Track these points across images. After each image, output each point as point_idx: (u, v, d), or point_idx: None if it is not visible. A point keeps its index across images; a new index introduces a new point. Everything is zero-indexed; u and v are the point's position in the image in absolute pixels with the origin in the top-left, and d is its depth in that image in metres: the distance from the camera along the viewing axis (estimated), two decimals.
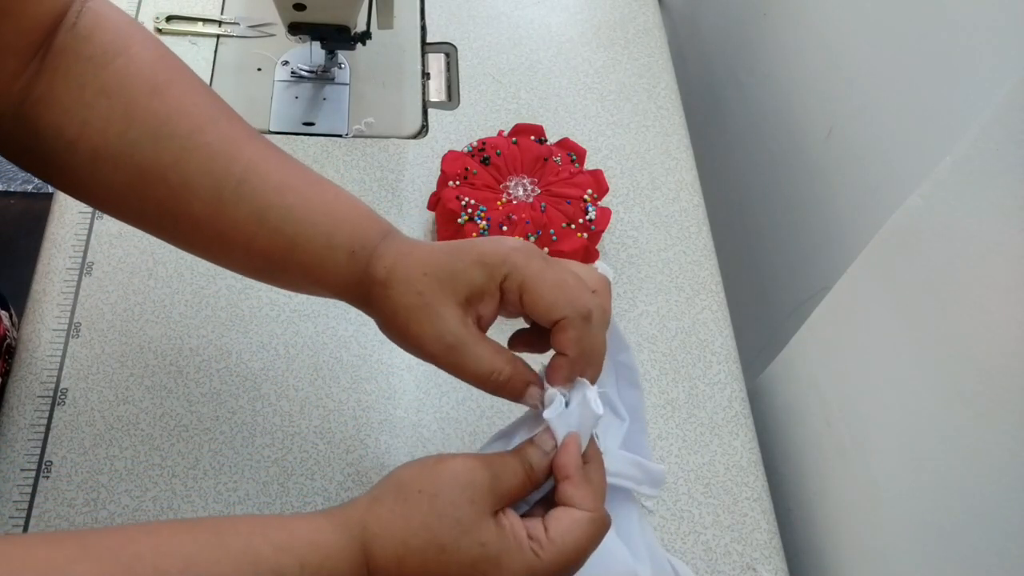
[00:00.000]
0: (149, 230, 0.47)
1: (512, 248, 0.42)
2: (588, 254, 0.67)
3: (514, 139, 0.70)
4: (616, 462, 0.48)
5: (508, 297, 0.42)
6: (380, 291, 0.43)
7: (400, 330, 0.43)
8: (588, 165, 0.72)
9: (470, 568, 0.38)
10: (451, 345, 0.41)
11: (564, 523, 0.39)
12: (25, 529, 0.54)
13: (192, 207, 0.43)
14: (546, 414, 0.42)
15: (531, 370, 0.43)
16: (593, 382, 0.43)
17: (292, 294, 0.66)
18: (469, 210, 0.64)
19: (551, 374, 0.42)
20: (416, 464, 0.41)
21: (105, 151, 0.43)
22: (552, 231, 0.64)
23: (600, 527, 0.40)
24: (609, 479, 0.47)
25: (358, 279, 0.44)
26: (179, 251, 0.68)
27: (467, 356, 0.41)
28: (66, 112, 0.42)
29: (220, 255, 0.46)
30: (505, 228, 0.64)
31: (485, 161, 0.67)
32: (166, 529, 0.36)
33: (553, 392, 0.42)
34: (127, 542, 0.35)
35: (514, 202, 0.66)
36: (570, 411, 0.42)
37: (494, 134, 0.72)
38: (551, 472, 0.41)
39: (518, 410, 0.44)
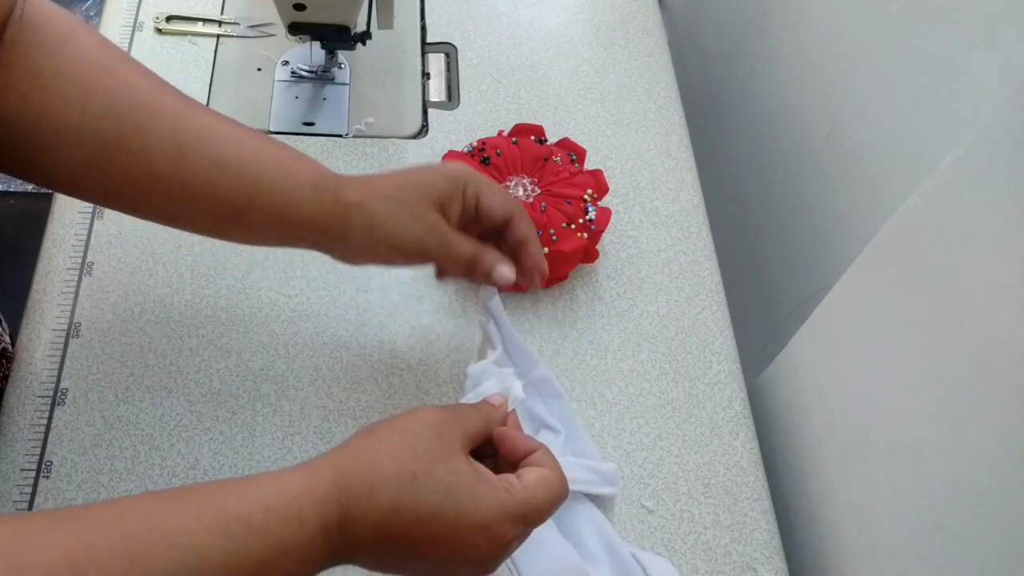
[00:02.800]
0: (109, 202, 0.50)
1: (465, 167, 0.52)
2: (588, 254, 0.67)
3: (514, 139, 0.70)
4: (565, 469, 0.51)
5: (467, 202, 0.51)
6: (358, 211, 0.49)
7: (386, 236, 0.49)
8: (588, 165, 0.72)
9: (443, 495, 0.39)
10: (440, 237, 0.49)
11: (535, 475, 0.43)
12: None
13: (155, 165, 0.46)
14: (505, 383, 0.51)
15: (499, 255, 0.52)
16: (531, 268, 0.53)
17: (292, 294, 0.66)
18: None
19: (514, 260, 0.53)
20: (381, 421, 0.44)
21: (67, 130, 0.45)
22: (552, 231, 0.64)
23: (563, 489, 0.44)
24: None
25: (327, 208, 0.49)
26: (179, 251, 0.68)
27: (453, 243, 0.50)
28: (24, 97, 0.44)
29: (183, 210, 0.49)
30: None
31: (485, 161, 0.67)
32: (129, 499, 0.37)
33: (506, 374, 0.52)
34: (89, 512, 0.35)
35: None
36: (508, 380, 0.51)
37: (494, 134, 0.72)
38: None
39: None
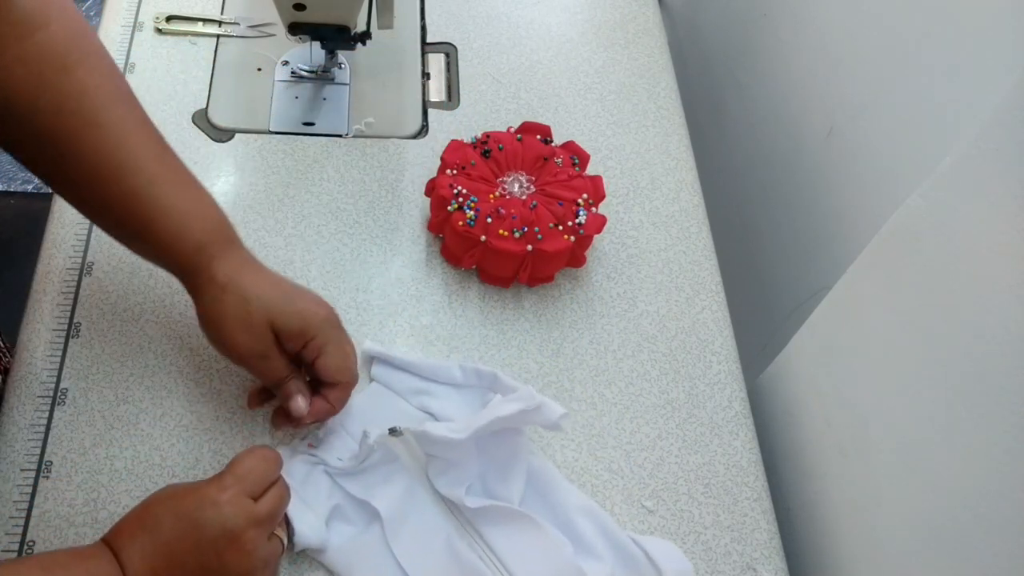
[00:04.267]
0: (35, 174, 0.54)
1: (324, 318, 0.54)
2: (575, 258, 0.67)
3: (519, 136, 0.70)
4: (487, 416, 0.53)
5: (307, 349, 0.54)
6: (217, 292, 0.53)
7: (222, 330, 0.53)
8: (590, 169, 0.72)
9: (167, 498, 0.48)
10: (262, 354, 0.53)
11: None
12: (25, 529, 0.54)
13: (78, 172, 0.51)
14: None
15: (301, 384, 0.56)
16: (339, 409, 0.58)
17: None
18: (460, 199, 0.64)
19: (320, 412, 0.56)
20: None
21: (13, 110, 0.48)
22: (538, 229, 0.64)
23: (268, 452, 0.51)
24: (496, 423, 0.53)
25: (196, 269, 0.53)
26: None
27: (272, 363, 0.54)
28: None
29: (92, 216, 0.56)
30: (491, 220, 0.63)
31: (486, 154, 0.67)
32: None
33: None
34: None
35: (507, 197, 0.66)
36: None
37: None
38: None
39: None
